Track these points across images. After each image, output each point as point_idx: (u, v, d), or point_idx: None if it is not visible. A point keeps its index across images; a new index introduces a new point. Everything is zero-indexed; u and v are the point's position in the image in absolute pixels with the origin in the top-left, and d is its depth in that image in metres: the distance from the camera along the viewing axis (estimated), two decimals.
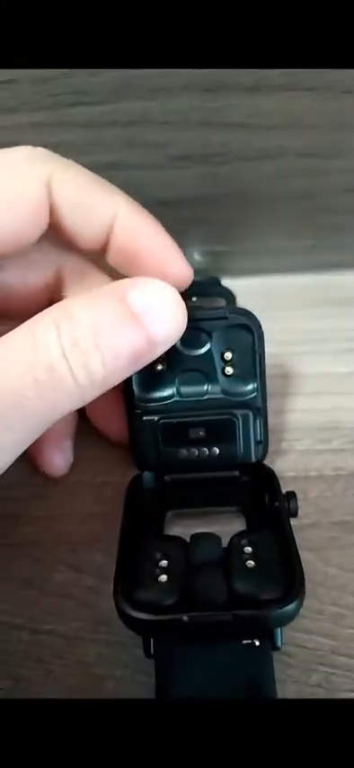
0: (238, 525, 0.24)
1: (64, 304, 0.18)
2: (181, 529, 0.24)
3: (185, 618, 0.18)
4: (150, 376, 0.23)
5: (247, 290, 0.32)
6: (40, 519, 0.25)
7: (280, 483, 0.24)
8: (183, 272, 0.22)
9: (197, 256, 0.32)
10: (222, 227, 0.32)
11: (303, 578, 0.19)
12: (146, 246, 0.21)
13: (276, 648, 0.19)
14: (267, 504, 0.24)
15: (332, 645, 0.21)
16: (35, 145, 0.21)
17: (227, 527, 0.23)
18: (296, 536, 0.21)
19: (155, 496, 0.24)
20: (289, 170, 0.29)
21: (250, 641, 0.18)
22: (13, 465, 0.26)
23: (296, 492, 0.24)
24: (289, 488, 0.24)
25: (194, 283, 0.23)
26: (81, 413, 0.26)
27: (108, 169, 0.26)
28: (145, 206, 0.22)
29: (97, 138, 0.27)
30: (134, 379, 0.23)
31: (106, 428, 0.26)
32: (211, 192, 0.30)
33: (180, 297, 0.19)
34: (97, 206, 0.21)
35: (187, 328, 0.22)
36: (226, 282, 0.32)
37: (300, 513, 0.23)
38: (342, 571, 0.23)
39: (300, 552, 0.22)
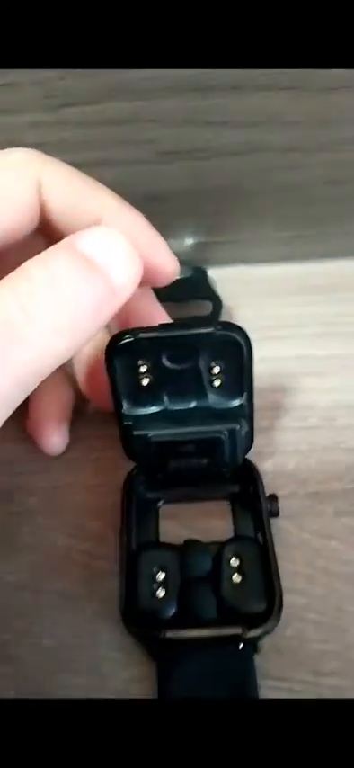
0: (225, 513, 0.26)
1: (20, 267, 0.18)
2: (173, 520, 0.26)
3: (182, 634, 0.21)
4: (138, 390, 0.23)
5: (232, 278, 0.33)
6: (43, 490, 0.27)
7: (260, 459, 0.26)
8: (170, 265, 0.23)
9: (188, 240, 0.34)
10: (208, 219, 0.33)
11: (281, 597, 0.22)
12: (132, 241, 0.22)
13: (257, 652, 0.22)
14: (251, 493, 0.25)
15: (305, 602, 0.23)
16: (34, 143, 0.22)
17: (215, 514, 0.26)
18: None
19: (149, 489, 0.26)
20: (272, 164, 0.31)
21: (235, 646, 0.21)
22: (18, 444, 0.28)
23: (274, 465, 0.26)
24: (268, 462, 0.27)
25: (181, 281, 0.24)
26: (78, 394, 0.28)
27: (100, 165, 0.28)
28: (135, 200, 0.23)
29: (91, 136, 0.29)
30: (122, 393, 0.23)
31: (102, 402, 0.27)
32: (197, 185, 0.31)
33: (130, 244, 0.20)
34: (85, 204, 0.22)
35: (174, 344, 0.22)
36: (212, 271, 0.34)
37: (279, 483, 0.26)
38: (315, 537, 0.25)
39: (279, 520, 0.25)
